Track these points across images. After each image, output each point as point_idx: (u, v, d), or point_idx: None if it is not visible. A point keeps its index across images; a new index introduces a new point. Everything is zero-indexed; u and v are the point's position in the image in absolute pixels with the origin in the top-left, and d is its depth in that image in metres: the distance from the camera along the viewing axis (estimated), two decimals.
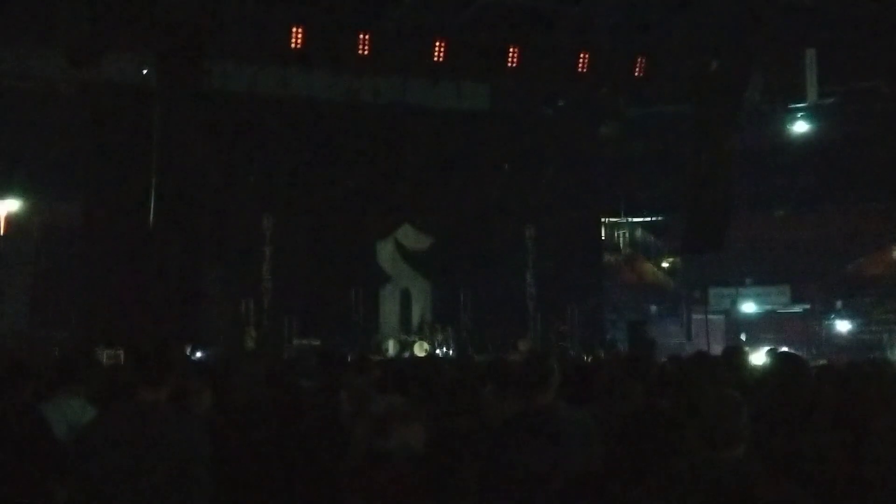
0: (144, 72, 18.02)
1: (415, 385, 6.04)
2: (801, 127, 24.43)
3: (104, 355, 15.15)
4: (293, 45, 17.29)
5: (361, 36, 17.57)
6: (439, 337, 21.29)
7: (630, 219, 30.48)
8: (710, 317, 25.30)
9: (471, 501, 3.74)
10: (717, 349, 21.34)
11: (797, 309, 28.21)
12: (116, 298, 19.00)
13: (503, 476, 3.72)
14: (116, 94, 19.06)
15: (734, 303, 27.78)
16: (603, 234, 28.08)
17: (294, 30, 17.14)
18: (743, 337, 22.71)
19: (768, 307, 28.10)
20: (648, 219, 30.37)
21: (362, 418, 3.86)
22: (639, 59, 19.28)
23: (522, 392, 4.04)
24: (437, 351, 20.86)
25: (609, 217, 29.05)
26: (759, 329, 24.40)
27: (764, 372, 6.02)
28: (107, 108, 19.17)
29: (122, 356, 15.03)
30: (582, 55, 18.97)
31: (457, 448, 4.01)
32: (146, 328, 18.01)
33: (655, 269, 30.63)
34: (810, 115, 23.86)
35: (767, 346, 20.66)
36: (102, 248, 19.38)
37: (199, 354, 17.89)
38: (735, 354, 6.81)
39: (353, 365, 7.46)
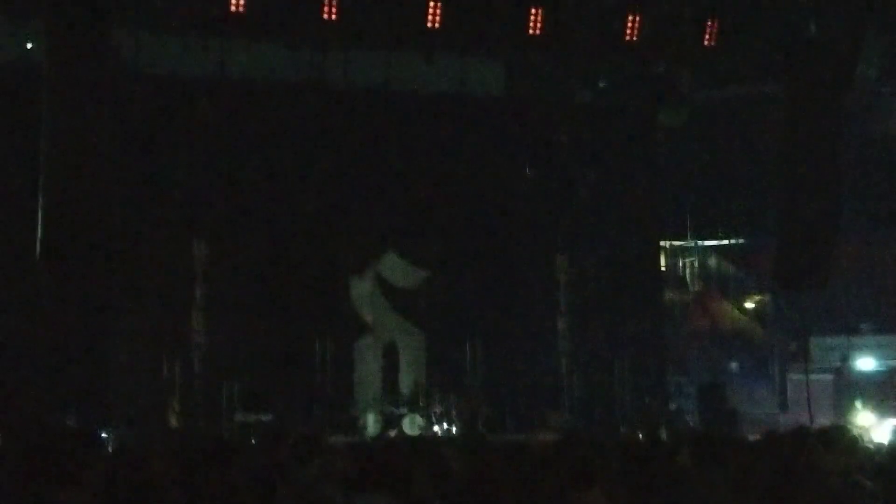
0: (29, 46, 18.00)
1: (405, 479, 5.96)
2: None
3: None
4: (233, 9, 17.28)
5: None
6: (438, 409, 21.17)
7: (700, 242, 30.42)
8: (813, 377, 25.16)
9: None
10: (823, 421, 21.20)
11: None
12: None
13: None
14: None
15: (846, 357, 27.63)
16: (663, 263, 28.02)
17: None
18: (859, 405, 22.56)
19: (894, 363, 27.95)
20: (725, 242, 30.31)
21: None
22: (709, 24, 19.28)
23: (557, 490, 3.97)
24: (436, 428, 20.74)
25: (671, 240, 29.01)
26: (881, 394, 24.22)
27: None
28: None
29: None
30: (631, 18, 18.97)
31: None
32: (28, 401, 17.87)
33: (736, 312, 30.51)
34: None
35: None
36: None
37: (103, 436, 17.78)
38: (840, 436, 6.79)
39: (297, 449, 7.41)
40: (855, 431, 8.01)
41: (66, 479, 4.53)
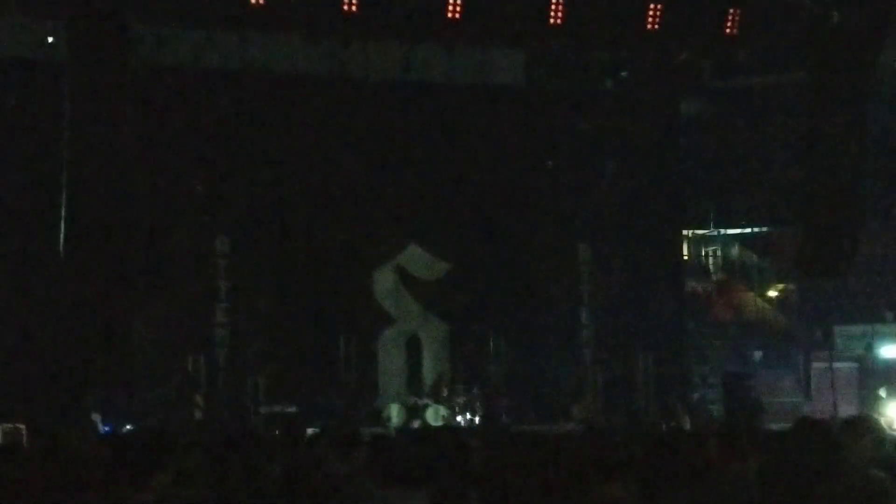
0: (50, 40, 18.05)
1: (429, 471, 5.93)
2: None
3: None
4: (253, 1, 17.30)
5: None
6: (461, 400, 21.16)
7: (723, 231, 30.29)
8: (837, 365, 25.02)
9: None
10: (847, 409, 21.08)
11: None
12: (14, 352, 18.94)
13: None
14: (13, 72, 19.06)
15: (870, 345, 27.48)
16: (686, 252, 27.91)
17: None
18: (883, 393, 22.42)
19: None
20: (748, 230, 30.17)
21: None
22: (730, 12, 19.18)
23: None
24: (460, 419, 20.75)
25: (694, 229, 28.90)
26: None
27: None
28: (0, 90, 19.25)
29: (23, 434, 14.97)
30: (652, 7, 18.89)
31: None
32: (53, 395, 17.93)
33: (760, 301, 30.38)
34: None
35: None
36: None
37: (127, 427, 17.85)
38: (860, 426, 6.66)
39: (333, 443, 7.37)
40: (882, 421, 7.87)
41: (139, 481, 4.52)
